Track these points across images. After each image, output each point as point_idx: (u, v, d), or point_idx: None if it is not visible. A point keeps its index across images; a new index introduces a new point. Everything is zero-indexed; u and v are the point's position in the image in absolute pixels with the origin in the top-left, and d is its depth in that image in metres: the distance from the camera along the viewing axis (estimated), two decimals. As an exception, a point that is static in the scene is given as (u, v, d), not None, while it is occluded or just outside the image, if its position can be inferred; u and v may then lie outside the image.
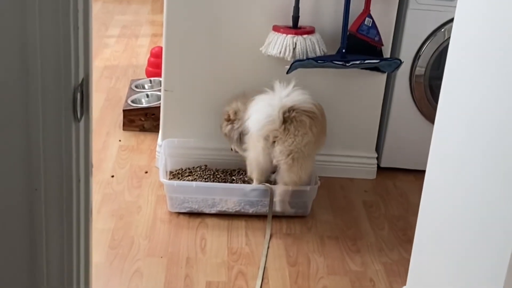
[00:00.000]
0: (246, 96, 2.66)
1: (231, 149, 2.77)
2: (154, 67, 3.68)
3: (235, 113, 2.66)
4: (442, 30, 2.85)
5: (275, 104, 2.48)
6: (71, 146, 1.09)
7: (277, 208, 2.60)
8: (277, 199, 2.58)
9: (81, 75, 1.08)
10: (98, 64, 4.15)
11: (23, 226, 1.12)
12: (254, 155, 2.57)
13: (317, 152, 2.65)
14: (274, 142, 2.48)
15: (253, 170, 2.63)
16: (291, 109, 2.48)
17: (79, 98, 1.07)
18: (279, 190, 2.58)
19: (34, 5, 0.99)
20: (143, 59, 4.21)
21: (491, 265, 1.52)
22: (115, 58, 4.29)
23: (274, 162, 2.53)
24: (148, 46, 4.51)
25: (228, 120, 2.68)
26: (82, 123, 1.11)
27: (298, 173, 2.52)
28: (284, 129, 2.47)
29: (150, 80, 3.64)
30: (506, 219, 1.45)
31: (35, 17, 1.00)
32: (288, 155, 2.48)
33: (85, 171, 1.16)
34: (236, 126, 2.67)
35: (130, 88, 3.56)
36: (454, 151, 1.80)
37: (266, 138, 2.49)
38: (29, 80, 1.02)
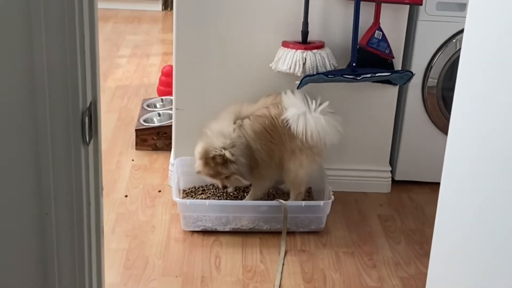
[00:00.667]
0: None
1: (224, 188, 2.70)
2: (166, 86, 3.69)
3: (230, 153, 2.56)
4: (454, 40, 2.84)
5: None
6: (81, 170, 1.09)
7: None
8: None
9: (89, 99, 1.08)
10: (110, 84, 4.18)
11: (35, 251, 1.12)
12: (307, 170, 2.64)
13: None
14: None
15: (302, 184, 2.69)
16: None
17: (87, 122, 1.07)
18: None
19: (41, 30, 1.00)
20: (155, 78, 4.23)
21: (510, 278, 1.49)
22: (126, 78, 4.31)
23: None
24: (159, 65, 4.54)
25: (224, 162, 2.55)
26: (91, 147, 1.11)
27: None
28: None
29: (162, 99, 3.66)
30: (523, 231, 1.42)
31: (42, 43, 1.00)
32: None
33: (95, 194, 1.16)
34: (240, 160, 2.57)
35: (142, 107, 3.58)
36: (468, 162, 1.78)
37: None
38: (37, 105, 1.02)
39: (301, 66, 2.63)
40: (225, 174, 2.56)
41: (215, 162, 2.53)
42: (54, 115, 1.04)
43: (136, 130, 3.32)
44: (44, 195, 1.08)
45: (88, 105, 1.08)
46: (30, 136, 1.04)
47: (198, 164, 2.59)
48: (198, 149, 2.58)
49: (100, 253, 1.21)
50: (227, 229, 2.63)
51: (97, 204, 1.17)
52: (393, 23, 2.78)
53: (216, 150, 2.52)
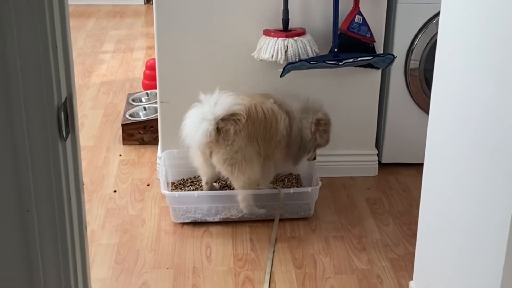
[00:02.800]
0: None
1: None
2: (150, 80, 3.69)
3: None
4: (434, 22, 2.85)
5: (208, 117, 2.45)
6: (60, 166, 1.09)
7: (244, 211, 2.62)
8: (241, 205, 2.60)
9: (64, 94, 1.08)
10: (95, 80, 4.17)
11: (18, 249, 1.12)
12: (196, 165, 2.65)
13: (272, 146, 2.59)
14: (211, 153, 2.54)
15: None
16: (222, 119, 2.47)
17: (64, 117, 1.07)
18: (240, 196, 2.59)
19: (12, 27, 0.99)
20: (139, 72, 4.23)
21: (490, 254, 1.51)
22: (111, 73, 4.30)
23: (216, 170, 2.58)
24: (143, 59, 4.53)
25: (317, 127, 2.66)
26: (69, 142, 1.11)
27: (241, 178, 2.54)
28: (217, 140, 2.48)
29: (147, 93, 3.65)
30: (506, 207, 1.44)
31: (13, 39, 1.00)
32: (224, 163, 2.52)
33: (76, 189, 1.16)
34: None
35: (128, 102, 3.57)
36: (449, 142, 1.79)
37: (203, 152, 2.55)
38: (12, 102, 1.03)
39: (283, 54, 2.63)
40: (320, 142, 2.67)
41: (320, 125, 2.63)
42: (30, 112, 1.04)
43: (123, 125, 3.32)
44: (24, 192, 1.08)
45: (63, 100, 1.08)
46: (6, 134, 1.04)
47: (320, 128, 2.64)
48: (320, 114, 2.64)
49: (84, 248, 1.22)
50: (216, 220, 2.65)
51: (78, 199, 1.17)
52: (373, 7, 2.78)
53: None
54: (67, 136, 1.10)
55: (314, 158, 2.71)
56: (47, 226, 1.12)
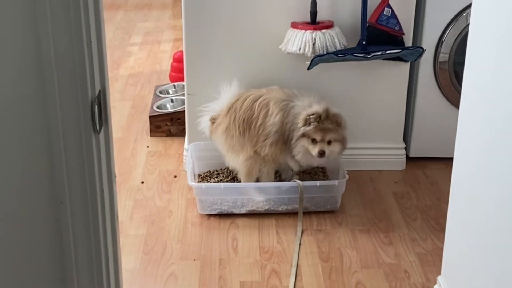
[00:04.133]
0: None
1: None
2: (177, 72, 3.70)
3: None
4: (464, 14, 2.82)
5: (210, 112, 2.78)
6: (93, 158, 1.11)
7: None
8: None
9: (98, 88, 1.10)
10: (123, 72, 4.20)
11: (51, 239, 1.14)
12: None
13: (260, 140, 2.60)
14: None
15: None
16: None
17: (97, 111, 1.09)
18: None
19: (47, 23, 1.01)
20: (166, 64, 4.25)
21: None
22: (139, 66, 4.33)
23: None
24: (170, 51, 4.55)
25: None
26: (102, 135, 1.13)
27: (233, 166, 2.76)
28: (211, 132, 2.79)
29: (174, 85, 3.67)
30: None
31: (49, 35, 1.01)
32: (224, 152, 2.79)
33: (108, 181, 1.18)
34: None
35: (155, 94, 3.60)
36: (480, 136, 1.77)
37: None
38: (46, 96, 1.04)
39: (311, 46, 2.63)
40: (332, 137, 2.52)
41: (333, 122, 2.50)
42: (64, 105, 1.06)
43: (150, 117, 3.35)
44: (58, 184, 1.10)
45: (97, 94, 1.10)
46: (41, 127, 1.06)
47: (312, 119, 2.49)
48: (316, 107, 2.51)
49: (116, 239, 1.24)
50: (243, 212, 2.66)
51: (110, 191, 1.19)
52: (402, -1, 2.76)
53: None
54: (100, 129, 1.11)
55: (322, 154, 2.51)
56: (80, 218, 1.14)
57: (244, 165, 2.66)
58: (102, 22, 1.09)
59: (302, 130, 2.51)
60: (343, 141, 2.57)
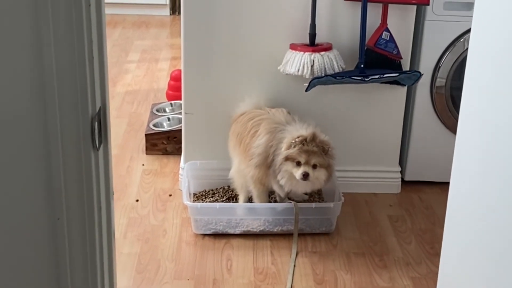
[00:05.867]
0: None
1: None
2: (175, 90, 3.71)
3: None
4: (461, 40, 2.84)
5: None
6: (91, 175, 1.10)
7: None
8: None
9: (98, 104, 1.09)
10: (119, 90, 4.20)
11: (48, 255, 1.13)
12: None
13: (247, 158, 2.60)
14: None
15: None
16: None
17: (97, 127, 1.08)
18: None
19: (49, 37, 1.01)
20: (164, 82, 4.26)
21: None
22: (136, 83, 4.33)
23: None
24: (168, 69, 4.56)
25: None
26: (101, 151, 1.12)
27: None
28: None
29: (171, 104, 3.67)
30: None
31: (51, 50, 1.01)
32: None
33: (106, 198, 1.17)
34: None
35: (152, 112, 3.60)
36: (477, 161, 1.78)
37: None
38: (47, 111, 1.04)
39: (309, 68, 2.63)
40: (317, 161, 2.44)
41: (319, 146, 2.44)
42: (64, 121, 1.05)
43: (146, 135, 3.34)
44: (55, 200, 1.09)
45: (97, 110, 1.09)
46: (41, 142, 1.06)
47: (297, 142, 2.44)
48: (303, 131, 2.47)
49: (112, 256, 1.23)
50: (237, 232, 2.64)
51: (108, 208, 1.18)
52: (400, 23, 2.78)
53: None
54: (99, 146, 1.11)
55: (306, 175, 2.42)
56: (77, 235, 1.13)
57: (234, 175, 2.71)
58: (104, 39, 1.10)
59: (285, 153, 2.44)
60: (328, 168, 2.48)
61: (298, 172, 2.43)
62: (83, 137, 1.07)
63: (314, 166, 2.45)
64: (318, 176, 2.47)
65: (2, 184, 1.07)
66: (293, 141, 2.44)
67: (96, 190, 1.12)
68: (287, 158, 2.45)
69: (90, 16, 1.03)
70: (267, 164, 2.54)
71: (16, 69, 1.01)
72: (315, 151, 2.43)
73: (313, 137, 2.44)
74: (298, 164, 2.44)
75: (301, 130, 2.48)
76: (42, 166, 1.07)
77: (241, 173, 2.66)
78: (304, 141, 2.43)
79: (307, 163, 2.43)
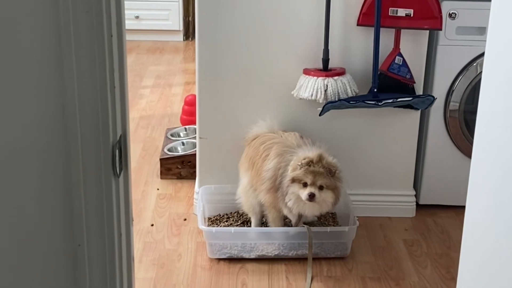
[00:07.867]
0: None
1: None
2: (189, 115, 3.74)
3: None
4: (474, 64, 2.85)
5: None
6: (112, 202, 1.12)
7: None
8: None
9: (119, 132, 1.11)
10: (134, 115, 4.24)
11: (67, 282, 1.14)
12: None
13: (258, 182, 2.62)
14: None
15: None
16: None
17: (118, 155, 1.10)
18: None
19: (72, 66, 1.03)
20: (178, 107, 4.29)
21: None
22: (150, 108, 4.37)
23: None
24: (182, 94, 4.60)
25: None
26: (121, 178, 1.14)
27: None
28: None
29: (185, 128, 3.70)
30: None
31: (73, 78, 1.04)
32: None
33: (126, 224, 1.18)
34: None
35: (166, 136, 3.62)
36: (492, 185, 1.78)
37: None
38: (69, 139, 1.06)
39: (323, 93, 2.65)
40: (324, 183, 2.43)
41: (325, 168, 2.43)
42: (86, 148, 1.07)
43: (161, 159, 3.36)
44: (76, 226, 1.11)
45: (118, 138, 1.11)
46: (62, 170, 1.08)
47: (304, 163, 2.43)
48: (309, 154, 2.47)
49: (131, 282, 1.24)
50: (252, 256, 2.65)
51: (127, 234, 1.20)
52: (413, 48, 2.80)
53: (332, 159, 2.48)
54: (120, 173, 1.13)
55: (312, 196, 2.40)
56: (97, 261, 1.14)
57: (241, 195, 2.73)
58: (125, 67, 1.12)
59: (292, 174, 2.44)
60: (335, 190, 2.46)
61: (304, 193, 2.43)
62: (104, 164, 1.09)
63: (321, 188, 2.44)
64: (325, 198, 2.46)
65: (24, 210, 1.08)
66: (299, 163, 2.44)
67: (117, 217, 1.13)
68: (293, 180, 2.45)
69: (112, 47, 1.05)
70: (275, 187, 2.55)
71: (39, 99, 1.03)
72: (321, 172, 2.43)
73: (320, 159, 2.44)
74: (305, 185, 2.44)
75: (308, 152, 2.49)
76: (63, 193, 1.09)
77: (248, 193, 2.69)
78: (310, 163, 2.43)
79: (313, 184, 2.42)
